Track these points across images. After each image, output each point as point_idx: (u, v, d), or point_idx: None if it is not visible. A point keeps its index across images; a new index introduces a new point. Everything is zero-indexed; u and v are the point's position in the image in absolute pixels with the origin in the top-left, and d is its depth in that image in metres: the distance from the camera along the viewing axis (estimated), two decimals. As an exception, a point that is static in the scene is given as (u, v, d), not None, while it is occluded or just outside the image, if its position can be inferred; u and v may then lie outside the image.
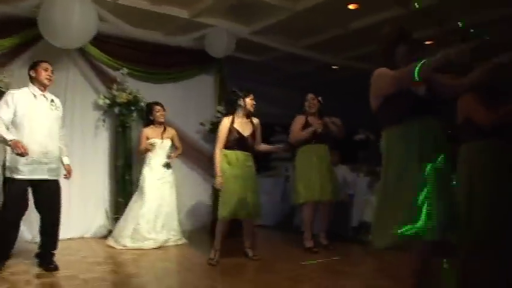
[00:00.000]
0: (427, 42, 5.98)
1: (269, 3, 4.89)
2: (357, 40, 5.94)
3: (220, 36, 5.70)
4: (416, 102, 2.50)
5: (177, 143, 5.35)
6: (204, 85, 6.39)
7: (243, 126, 4.29)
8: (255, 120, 4.43)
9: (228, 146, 4.23)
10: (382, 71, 2.56)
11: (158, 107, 5.17)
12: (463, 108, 3.22)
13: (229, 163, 4.19)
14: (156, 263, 4.24)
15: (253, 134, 4.34)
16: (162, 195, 5.04)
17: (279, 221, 6.67)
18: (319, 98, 4.95)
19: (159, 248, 4.79)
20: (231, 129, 4.23)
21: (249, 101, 4.33)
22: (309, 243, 4.79)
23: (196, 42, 5.97)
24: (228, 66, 6.43)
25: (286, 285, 3.42)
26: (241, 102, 4.31)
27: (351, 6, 5.08)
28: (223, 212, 4.11)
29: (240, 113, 4.33)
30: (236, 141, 4.23)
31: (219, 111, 6.10)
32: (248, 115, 4.37)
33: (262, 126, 4.52)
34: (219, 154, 4.20)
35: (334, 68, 7.54)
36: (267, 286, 3.44)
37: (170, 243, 4.95)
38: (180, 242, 5.06)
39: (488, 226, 3.09)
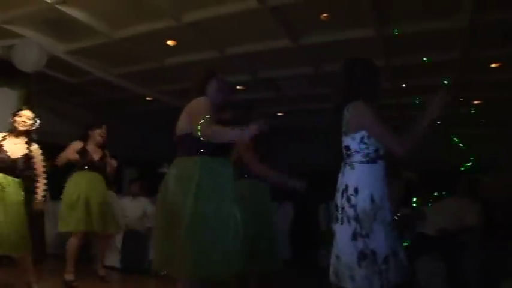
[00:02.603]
0: (238, 87, 6.63)
1: (88, 26, 4.85)
2: (171, 75, 6.23)
3: (30, 50, 5.24)
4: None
5: None
6: (5, 99, 5.78)
7: (14, 147, 3.83)
8: (33, 146, 3.97)
9: None
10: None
11: None
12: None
13: None
14: None
15: (25, 159, 3.87)
16: None
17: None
18: None
19: None
20: None
21: (17, 119, 3.86)
22: (68, 276, 4.44)
23: (2, 51, 5.48)
24: (38, 83, 6.06)
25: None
26: (12, 119, 3.87)
27: (170, 43, 5.34)
28: None
29: (12, 132, 3.87)
30: (2, 164, 3.74)
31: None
32: (20, 135, 3.89)
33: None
34: None
35: (148, 99, 7.70)
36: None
37: None
38: None
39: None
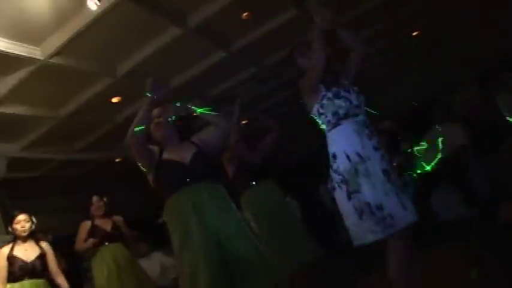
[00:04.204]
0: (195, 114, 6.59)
1: (32, 116, 4.81)
2: (126, 130, 6.15)
3: (-15, 162, 5.21)
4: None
5: None
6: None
7: (26, 252, 3.90)
8: (43, 244, 4.08)
9: (12, 278, 3.75)
10: None
11: None
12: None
13: None
14: None
15: (42, 259, 3.95)
16: None
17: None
18: (105, 199, 4.86)
19: None
20: (10, 259, 3.78)
21: (16, 227, 3.95)
22: None
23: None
24: (6, 188, 5.95)
25: None
26: (10, 228, 3.98)
27: (114, 100, 5.31)
28: None
29: (18, 239, 3.95)
30: (22, 271, 3.79)
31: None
32: (26, 239, 3.98)
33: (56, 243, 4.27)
34: None
35: (117, 161, 7.61)
36: None
37: None
38: None
39: None
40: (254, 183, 3.77)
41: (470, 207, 5.04)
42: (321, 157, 2.84)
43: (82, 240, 4.57)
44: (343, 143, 2.49)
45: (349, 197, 2.43)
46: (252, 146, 3.99)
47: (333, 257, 3.73)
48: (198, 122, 2.91)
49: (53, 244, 4.41)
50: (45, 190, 7.53)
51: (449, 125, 5.44)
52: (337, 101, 2.54)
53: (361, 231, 2.41)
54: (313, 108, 2.61)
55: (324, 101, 2.55)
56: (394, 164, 5.21)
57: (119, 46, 4.27)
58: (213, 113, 2.74)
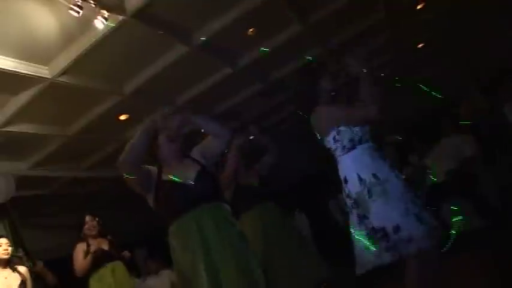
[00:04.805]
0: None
1: (40, 135, 4.84)
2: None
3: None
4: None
5: None
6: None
7: (7, 280, 3.72)
8: (22, 269, 3.91)
9: None
10: None
11: None
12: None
13: None
14: None
15: (24, 286, 3.78)
16: None
17: None
18: (97, 219, 4.70)
19: None
20: None
21: None
22: None
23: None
24: (16, 207, 5.88)
25: None
26: None
27: (122, 117, 5.34)
28: None
29: None
30: None
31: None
32: (4, 265, 3.81)
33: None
34: None
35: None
36: None
37: None
38: None
39: None
40: (254, 205, 3.69)
41: (481, 218, 4.99)
42: (328, 172, 2.85)
43: (81, 261, 4.33)
44: (357, 166, 2.50)
45: (360, 221, 2.43)
46: (249, 167, 3.92)
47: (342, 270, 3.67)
48: (197, 139, 2.89)
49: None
50: (54, 208, 7.56)
51: (457, 136, 5.41)
52: (354, 128, 2.57)
53: (366, 257, 2.40)
54: (328, 135, 2.62)
55: (341, 128, 2.58)
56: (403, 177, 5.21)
57: (126, 64, 4.32)
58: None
